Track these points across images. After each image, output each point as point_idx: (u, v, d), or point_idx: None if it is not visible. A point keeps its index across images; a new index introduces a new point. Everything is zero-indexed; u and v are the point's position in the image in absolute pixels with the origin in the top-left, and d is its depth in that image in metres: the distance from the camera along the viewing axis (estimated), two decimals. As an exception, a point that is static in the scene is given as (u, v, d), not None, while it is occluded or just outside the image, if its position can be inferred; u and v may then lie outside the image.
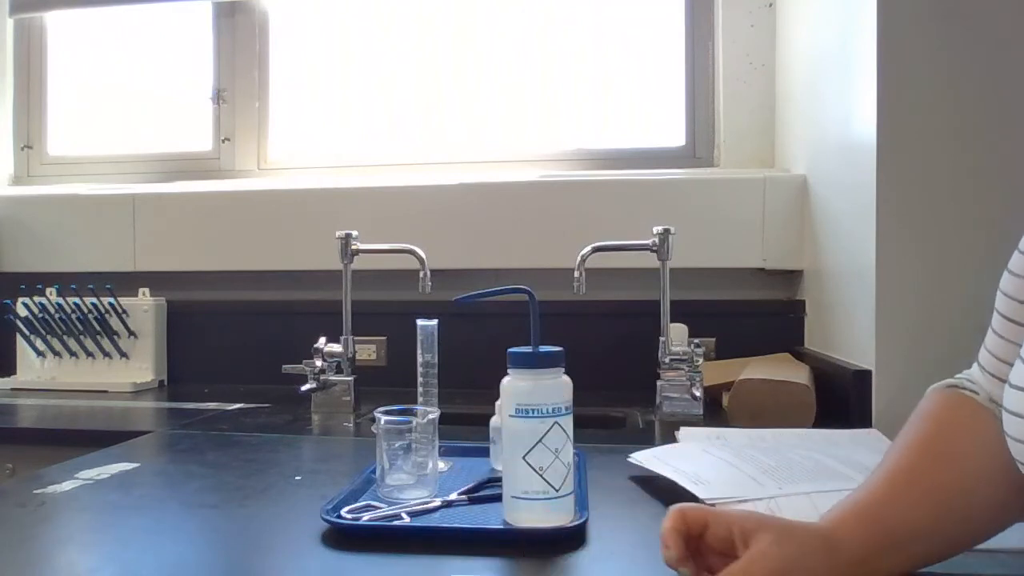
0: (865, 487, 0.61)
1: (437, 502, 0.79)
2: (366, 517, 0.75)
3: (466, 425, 1.22)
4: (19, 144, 2.05)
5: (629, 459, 0.94)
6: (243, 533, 0.77)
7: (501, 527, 0.72)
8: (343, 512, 0.75)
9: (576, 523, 0.72)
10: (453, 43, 1.92)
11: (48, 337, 1.73)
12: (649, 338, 1.38)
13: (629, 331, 1.62)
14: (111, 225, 1.81)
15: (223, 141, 1.97)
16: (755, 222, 1.60)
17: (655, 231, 1.35)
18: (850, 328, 1.29)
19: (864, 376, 1.17)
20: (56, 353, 1.73)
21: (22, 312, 1.71)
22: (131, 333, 1.73)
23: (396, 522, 0.74)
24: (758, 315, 1.64)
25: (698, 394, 1.31)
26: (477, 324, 1.58)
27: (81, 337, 1.72)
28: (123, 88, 2.06)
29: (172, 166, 1.98)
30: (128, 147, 2.03)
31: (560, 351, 0.73)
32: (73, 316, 1.70)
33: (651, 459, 0.92)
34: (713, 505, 0.75)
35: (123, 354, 1.73)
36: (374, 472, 0.85)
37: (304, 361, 1.38)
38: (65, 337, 1.72)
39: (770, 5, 1.73)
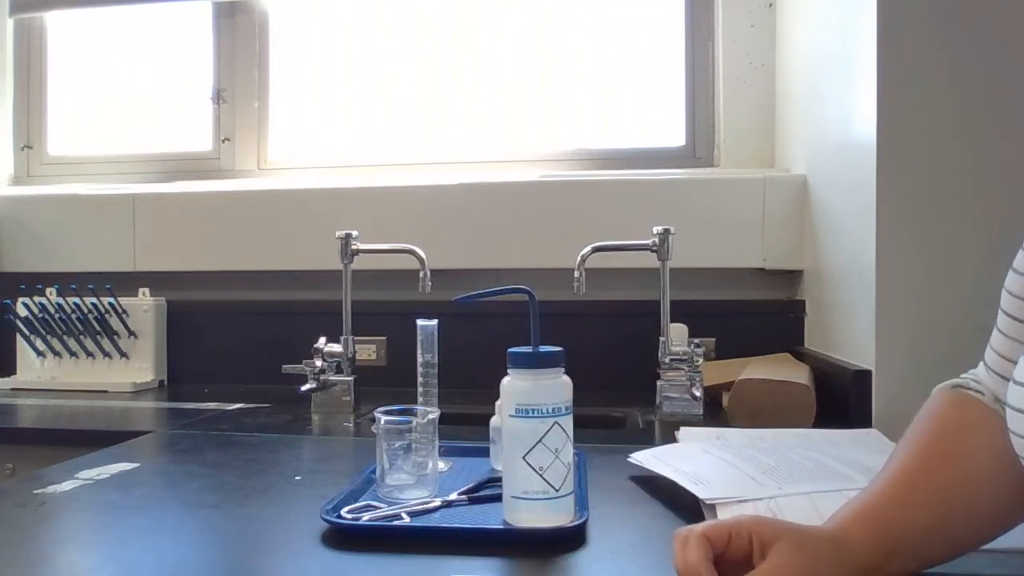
0: (871, 489, 0.61)
1: (437, 502, 0.79)
2: (366, 517, 0.75)
3: (466, 425, 1.22)
4: (19, 144, 2.05)
5: (629, 459, 0.94)
6: (243, 533, 0.77)
7: (501, 527, 0.72)
8: (343, 512, 0.75)
9: (576, 523, 0.72)
10: (453, 43, 1.92)
11: (48, 337, 1.73)
12: (649, 338, 1.38)
13: (629, 331, 1.62)
14: (111, 225, 1.81)
15: (223, 141, 1.97)
16: (755, 222, 1.60)
17: (655, 231, 1.35)
18: (850, 328, 1.29)
19: (864, 376, 1.17)
20: (56, 353, 1.73)
21: (22, 312, 1.71)
22: (131, 333, 1.73)
23: (396, 522, 0.74)
24: (758, 315, 1.64)
25: (698, 394, 1.31)
26: (477, 324, 1.58)
27: (81, 337, 1.72)
28: (123, 88, 2.06)
29: (172, 166, 1.98)
30: (128, 147, 2.03)
31: (560, 351, 0.73)
32: (73, 316, 1.70)
33: (651, 459, 0.92)
34: (713, 505, 0.75)
35: (123, 354, 1.73)
36: (374, 472, 0.85)
37: (304, 361, 1.38)
38: (65, 337, 1.72)
39: (770, 5, 1.73)
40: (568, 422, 0.72)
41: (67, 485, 0.89)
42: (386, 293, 1.70)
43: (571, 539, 0.71)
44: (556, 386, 0.72)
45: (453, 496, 0.81)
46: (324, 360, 1.39)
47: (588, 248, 1.35)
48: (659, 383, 1.34)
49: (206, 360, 1.79)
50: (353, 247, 1.43)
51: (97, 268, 1.78)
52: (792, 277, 1.64)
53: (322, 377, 1.39)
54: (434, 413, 0.86)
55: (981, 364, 0.66)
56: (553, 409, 0.71)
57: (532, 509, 0.71)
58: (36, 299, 1.71)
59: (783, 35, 1.69)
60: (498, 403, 0.84)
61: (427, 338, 0.96)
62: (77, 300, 1.69)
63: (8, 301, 1.71)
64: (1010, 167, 1.11)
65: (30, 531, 0.75)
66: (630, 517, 0.80)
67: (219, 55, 1.97)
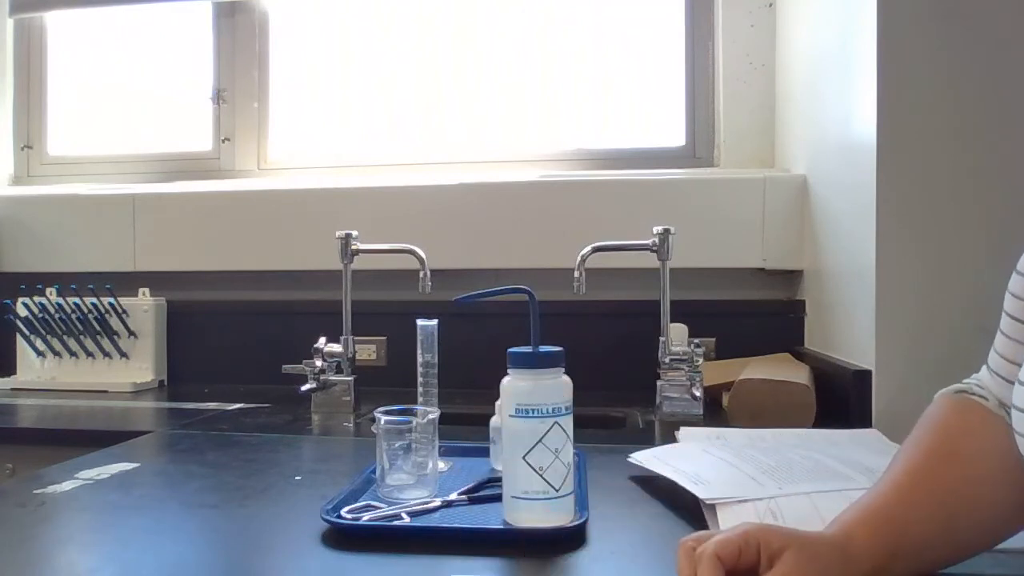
0: (875, 492, 0.61)
1: (437, 502, 0.79)
2: (366, 517, 0.75)
3: (466, 425, 1.22)
4: (19, 144, 2.05)
5: (629, 459, 0.94)
6: (243, 533, 0.77)
7: (501, 527, 0.72)
8: (343, 512, 0.75)
9: (576, 523, 0.72)
10: (453, 43, 1.92)
11: (48, 337, 1.73)
12: (649, 338, 1.38)
13: (629, 331, 1.62)
14: (111, 225, 1.81)
15: (223, 141, 1.97)
16: (755, 222, 1.60)
17: (655, 231, 1.35)
18: (850, 328, 1.29)
19: (864, 376, 1.17)
20: (56, 353, 1.73)
21: (22, 312, 1.71)
22: (131, 333, 1.73)
23: (396, 522, 0.74)
24: (758, 315, 1.64)
25: (698, 394, 1.31)
26: (477, 324, 1.58)
27: (81, 337, 1.72)
28: (123, 88, 2.06)
29: (172, 166, 1.98)
30: (128, 147, 2.02)
31: (560, 351, 0.73)
32: (73, 316, 1.70)
33: (651, 459, 0.92)
34: (713, 505, 0.75)
35: (123, 354, 1.73)
36: (374, 472, 0.85)
37: (304, 361, 1.38)
38: (65, 337, 1.72)
39: (770, 5, 1.73)
40: (568, 422, 0.72)
41: (67, 485, 0.89)
42: (386, 293, 1.70)
43: (571, 539, 0.71)
44: (556, 386, 0.72)
45: (453, 496, 0.81)
46: (324, 360, 1.39)
47: (588, 248, 1.35)
48: (659, 383, 1.34)
49: (206, 360, 1.79)
50: (353, 247, 1.43)
51: (97, 268, 1.78)
52: (792, 277, 1.64)
53: (322, 377, 1.39)
54: (434, 413, 0.86)
55: (984, 368, 0.66)
56: (553, 409, 0.71)
57: (532, 509, 0.71)
58: (36, 299, 1.71)
59: (783, 35, 1.69)
60: (498, 403, 0.84)
61: (427, 338, 0.96)
62: (77, 300, 1.69)
63: (8, 301, 1.71)
64: (1010, 167, 1.11)
65: (30, 531, 0.75)
66: (630, 517, 0.80)
67: (219, 55, 1.97)
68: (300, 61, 1.98)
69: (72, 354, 1.73)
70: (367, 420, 1.33)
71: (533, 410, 0.70)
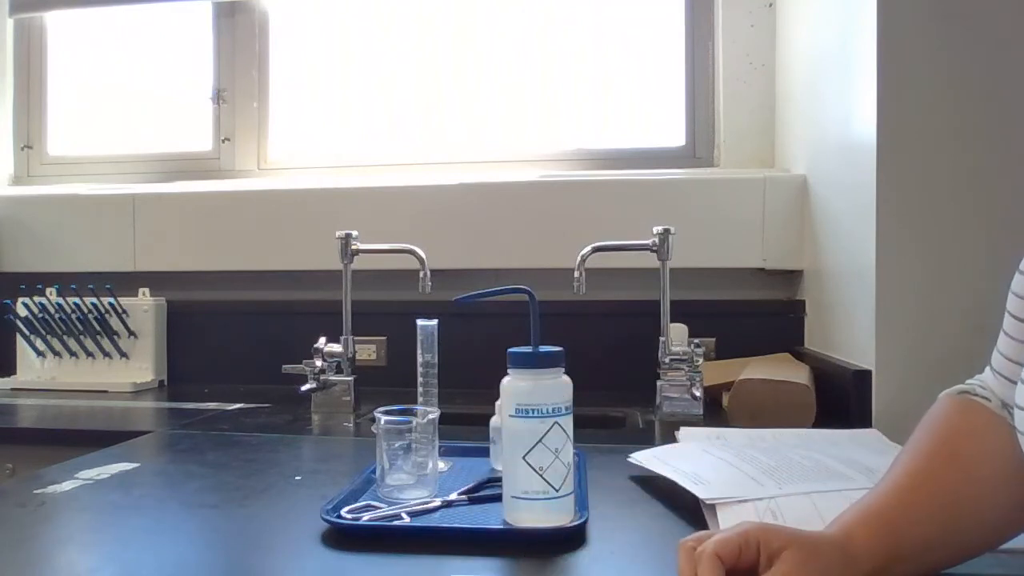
0: (876, 493, 0.61)
1: (437, 502, 0.79)
2: (366, 517, 0.75)
3: (466, 425, 1.22)
4: (19, 144, 2.05)
5: (629, 459, 0.94)
6: (243, 533, 0.77)
7: (501, 527, 0.72)
8: (343, 512, 0.75)
9: (576, 523, 0.72)
10: (453, 43, 1.92)
11: (48, 337, 1.73)
12: (649, 338, 1.38)
13: (629, 331, 1.62)
14: (111, 225, 1.81)
15: (223, 141, 1.97)
16: (755, 222, 1.60)
17: (655, 231, 1.35)
18: (850, 328, 1.29)
19: (864, 376, 1.17)
20: (56, 353, 1.73)
21: (22, 312, 1.71)
22: (131, 333, 1.73)
23: (396, 522, 0.74)
24: (758, 315, 1.64)
25: (698, 394, 1.31)
26: (477, 324, 1.57)
27: (81, 337, 1.72)
28: (123, 88, 2.06)
29: (172, 166, 1.98)
30: (128, 147, 2.02)
31: (560, 351, 0.73)
32: (73, 316, 1.70)
33: (651, 459, 0.92)
34: (713, 505, 0.75)
35: (123, 354, 1.73)
36: (374, 472, 0.85)
37: (304, 361, 1.38)
38: (65, 337, 1.72)
39: (770, 5, 1.73)
40: (568, 422, 0.72)
41: (67, 485, 0.89)
42: (386, 293, 1.70)
43: (571, 539, 0.71)
44: (556, 386, 0.72)
45: (453, 496, 0.81)
46: (324, 360, 1.39)
47: (588, 248, 1.35)
48: (659, 383, 1.34)
49: (206, 360, 1.79)
50: (353, 247, 1.43)
51: (97, 268, 1.78)
52: (792, 277, 1.64)
53: (322, 377, 1.39)
54: (434, 413, 0.86)
55: (987, 368, 0.66)
56: (553, 409, 0.71)
57: (532, 509, 0.71)
58: (36, 299, 1.71)
59: (783, 35, 1.69)
60: (498, 403, 0.84)
61: (427, 338, 0.96)
62: (77, 300, 1.69)
63: (8, 301, 1.71)
64: (1010, 167, 1.11)
65: (30, 531, 0.75)
66: (630, 517, 0.80)
67: (219, 55, 1.97)
68: (300, 61, 1.98)
69: (72, 354, 1.73)
70: (367, 420, 1.33)
71: (533, 410, 0.70)
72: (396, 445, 0.82)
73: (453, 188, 1.68)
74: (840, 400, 1.21)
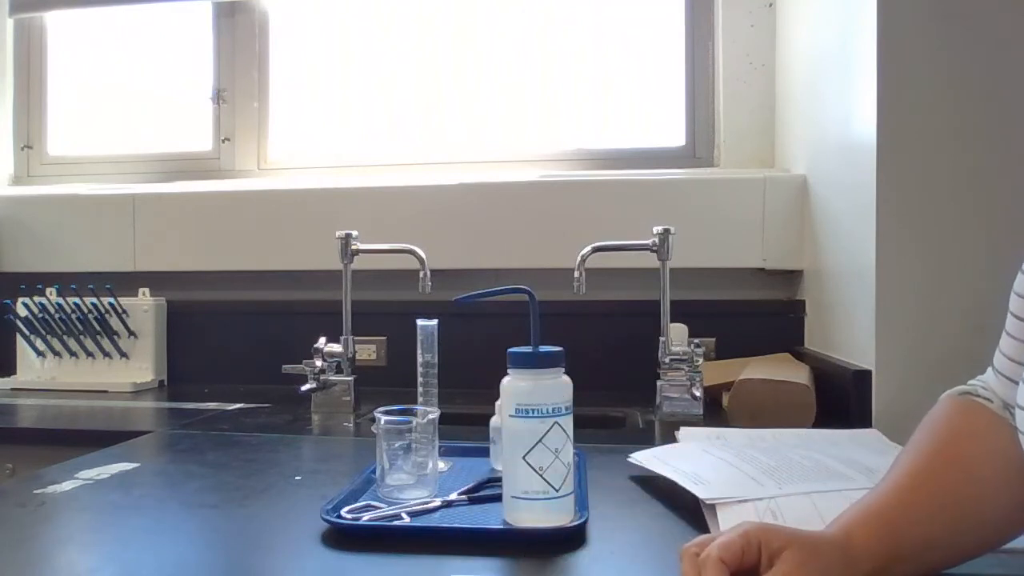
0: (876, 493, 0.61)
1: (437, 502, 0.79)
2: (366, 517, 0.75)
3: (466, 425, 1.22)
4: (19, 144, 2.05)
5: (629, 459, 0.94)
6: (243, 533, 0.77)
7: (501, 527, 0.72)
8: (343, 512, 0.75)
9: (576, 523, 0.72)
10: (453, 43, 1.92)
11: (48, 337, 1.73)
12: (649, 338, 1.38)
13: (629, 331, 1.62)
14: (111, 225, 1.81)
15: (223, 141, 1.97)
16: (755, 222, 1.60)
17: (655, 231, 1.35)
18: (850, 328, 1.29)
19: (864, 376, 1.17)
20: (56, 353, 1.73)
21: (22, 312, 1.71)
22: (131, 333, 1.73)
23: (396, 522, 0.74)
24: (758, 315, 1.64)
25: (698, 394, 1.31)
26: (477, 324, 1.57)
27: (81, 337, 1.72)
28: (123, 88, 2.06)
29: (172, 166, 1.98)
30: (128, 147, 2.02)
31: (560, 351, 0.73)
32: (73, 316, 1.70)
33: (651, 459, 0.92)
34: (713, 505, 0.75)
35: (123, 354, 1.73)
36: (374, 472, 0.85)
37: (304, 361, 1.38)
38: (65, 337, 1.72)
39: (770, 5, 1.73)
40: (568, 422, 0.72)
41: (67, 485, 0.89)
42: (386, 293, 1.70)
43: (571, 539, 0.71)
44: (556, 386, 0.72)
45: (453, 496, 0.81)
46: (324, 360, 1.38)
47: (588, 248, 1.35)
48: (659, 383, 1.34)
49: (206, 360, 1.79)
50: (353, 247, 1.43)
51: (97, 268, 1.78)
52: (792, 277, 1.64)
53: (322, 377, 1.38)
54: (434, 413, 0.86)
55: (990, 369, 0.66)
56: (553, 409, 0.71)
57: (532, 509, 0.71)
58: (36, 299, 1.71)
59: (783, 35, 1.69)
60: (498, 403, 0.84)
61: (427, 338, 0.96)
62: (77, 300, 1.69)
63: (8, 301, 1.71)
64: (1010, 167, 1.11)
65: (30, 531, 0.75)
66: (630, 517, 0.80)
67: (219, 55, 1.97)
68: (300, 61, 1.98)
69: (72, 354, 1.73)
70: (367, 420, 1.33)
71: (533, 410, 0.70)
72: (396, 445, 0.82)
73: (453, 188, 1.68)
74: (840, 400, 1.21)
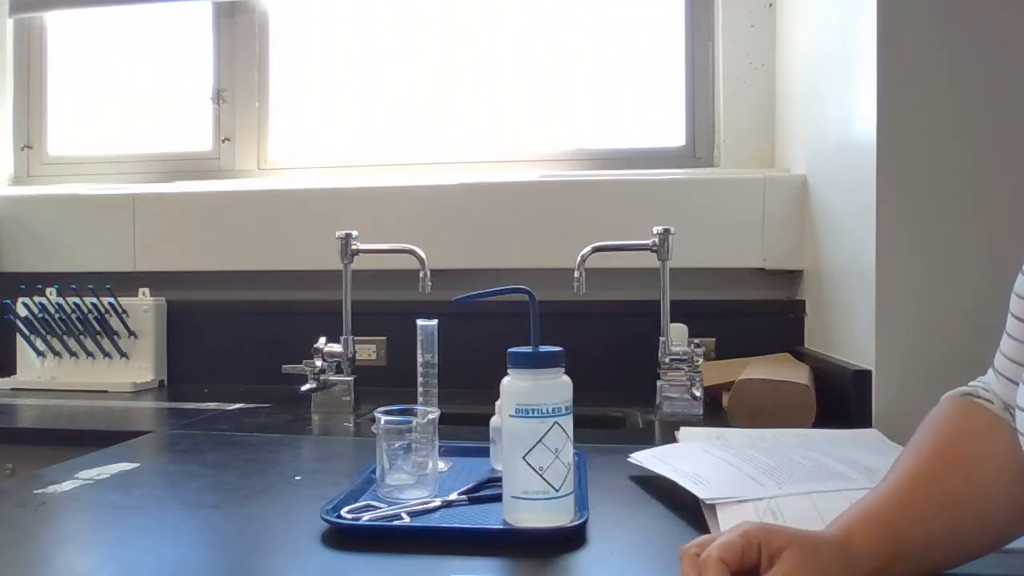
0: (877, 493, 0.61)
1: (437, 502, 0.79)
2: (366, 517, 0.75)
3: (466, 425, 1.22)
4: (19, 144, 2.05)
5: (629, 459, 0.94)
6: (243, 533, 0.77)
7: (501, 527, 0.72)
8: (343, 512, 0.75)
9: (576, 523, 0.72)
10: (453, 43, 1.92)
11: (48, 337, 1.73)
12: (649, 338, 1.38)
13: (629, 331, 1.62)
14: (111, 225, 1.81)
15: (223, 141, 1.97)
16: (755, 222, 1.60)
17: (655, 231, 1.35)
18: (850, 328, 1.29)
19: (864, 376, 1.17)
20: (56, 353, 1.73)
21: (22, 312, 1.71)
22: (131, 333, 1.73)
23: (396, 522, 0.74)
24: (758, 315, 1.64)
25: (698, 394, 1.31)
26: (477, 324, 1.57)
27: (81, 337, 1.72)
28: (123, 88, 2.06)
29: (172, 166, 1.98)
30: (128, 147, 2.02)
31: (560, 351, 0.73)
32: (73, 316, 1.70)
33: (651, 459, 0.92)
34: (713, 505, 0.75)
35: (123, 354, 1.73)
36: (374, 472, 0.85)
37: (304, 361, 1.38)
38: (65, 337, 1.72)
39: (770, 5, 1.73)
40: (568, 422, 0.72)
41: (67, 485, 0.89)
42: (386, 293, 1.70)
43: (571, 539, 0.71)
44: (556, 386, 0.72)
45: (453, 496, 0.81)
46: (324, 360, 1.38)
47: (588, 248, 1.35)
48: (659, 383, 1.34)
49: (206, 360, 1.79)
50: (353, 247, 1.43)
51: (97, 268, 1.78)
52: (792, 277, 1.64)
53: (322, 377, 1.38)
54: (434, 413, 0.86)
55: (991, 370, 0.66)
56: (553, 409, 0.71)
57: (532, 509, 0.71)
58: (36, 299, 1.71)
59: (783, 35, 1.69)
60: (498, 403, 0.84)
61: (427, 338, 0.96)
62: (77, 300, 1.69)
63: (8, 301, 1.71)
64: (1010, 167, 1.11)
65: (30, 531, 0.75)
66: (630, 517, 0.80)
67: (219, 55, 1.97)
68: (300, 61, 1.98)
69: (72, 354, 1.73)
70: (367, 420, 1.33)
71: (533, 410, 0.70)
72: (396, 445, 0.82)
73: (453, 188, 1.68)
74: (840, 400, 1.21)
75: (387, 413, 0.83)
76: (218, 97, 1.97)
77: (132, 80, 2.05)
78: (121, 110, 2.06)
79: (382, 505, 0.78)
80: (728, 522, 0.71)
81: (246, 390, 1.63)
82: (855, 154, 1.23)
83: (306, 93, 1.98)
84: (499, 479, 0.75)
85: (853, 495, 0.63)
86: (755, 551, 0.53)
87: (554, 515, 0.71)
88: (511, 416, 0.71)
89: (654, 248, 1.35)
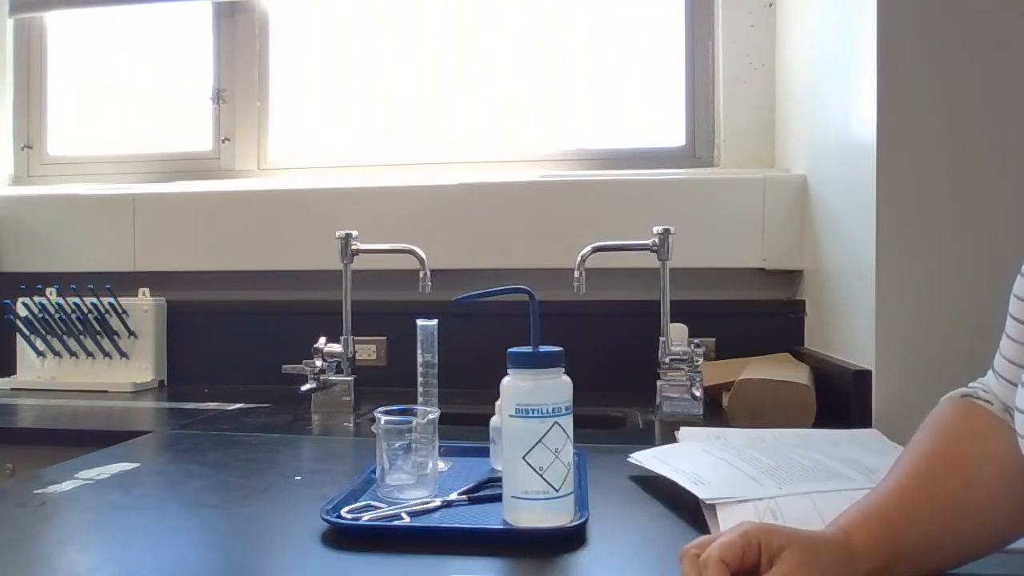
0: (877, 493, 0.61)
1: (437, 502, 0.79)
2: (366, 517, 0.75)
3: (466, 425, 1.22)
4: (19, 144, 2.05)
5: (629, 459, 0.94)
6: (243, 533, 0.77)
7: (501, 527, 0.72)
8: (343, 512, 0.75)
9: (576, 523, 0.72)
10: (453, 43, 1.92)
11: (48, 337, 1.73)
12: (649, 338, 1.38)
13: (629, 331, 1.62)
14: (111, 225, 1.81)
15: (223, 141, 1.97)
16: (755, 222, 1.60)
17: (655, 231, 1.35)
18: (850, 328, 1.29)
19: (864, 376, 1.17)
20: (56, 353, 1.73)
21: (22, 312, 1.71)
22: (131, 333, 1.73)
23: (396, 522, 0.74)
24: (758, 315, 1.64)
25: (698, 394, 1.31)
26: (477, 324, 1.57)
27: (81, 337, 1.72)
28: (123, 88, 2.06)
29: (172, 166, 1.98)
30: (128, 147, 2.02)
31: (560, 351, 0.73)
32: (73, 316, 1.70)
33: (651, 459, 0.92)
34: (713, 505, 0.75)
35: (123, 354, 1.73)
36: (374, 472, 0.85)
37: (304, 361, 1.38)
38: (65, 337, 1.72)
39: (770, 5, 1.73)
40: (568, 422, 0.72)
41: (67, 485, 0.89)
42: (386, 293, 1.70)
43: (571, 539, 0.71)
44: (556, 386, 0.72)
45: (453, 496, 0.81)
46: (324, 360, 1.38)
47: (588, 248, 1.35)
48: (659, 383, 1.34)
49: (206, 360, 1.79)
50: (353, 247, 1.43)
51: (97, 268, 1.78)
52: (792, 277, 1.64)
53: (322, 377, 1.39)
54: (434, 413, 0.86)
55: (990, 371, 0.66)
56: (553, 409, 0.71)
57: (532, 509, 0.71)
58: (36, 299, 1.71)
59: (783, 35, 1.69)
60: (498, 403, 0.84)
61: (427, 338, 0.96)
62: (77, 300, 1.69)
63: (8, 301, 1.71)
64: (1010, 167, 1.11)
65: (30, 531, 0.75)
66: (630, 517, 0.80)
67: (219, 55, 1.97)
68: (300, 61, 1.98)
69: (72, 354, 1.73)
70: (367, 420, 1.33)
71: (533, 410, 0.70)
72: (396, 445, 0.82)
73: (453, 188, 1.68)
74: (840, 400, 1.21)
75: (387, 413, 0.83)
76: (218, 97, 1.97)
77: (132, 80, 2.05)
78: (121, 110, 2.06)
79: (382, 505, 0.78)
80: (728, 522, 0.71)
81: (246, 390, 1.63)
82: (855, 154, 1.23)
83: (306, 93, 1.98)
84: (499, 479, 0.75)
85: (853, 495, 0.63)
86: (755, 551, 0.53)
87: (554, 515, 0.71)
88: (511, 416, 0.71)
89: (654, 248, 1.35)
